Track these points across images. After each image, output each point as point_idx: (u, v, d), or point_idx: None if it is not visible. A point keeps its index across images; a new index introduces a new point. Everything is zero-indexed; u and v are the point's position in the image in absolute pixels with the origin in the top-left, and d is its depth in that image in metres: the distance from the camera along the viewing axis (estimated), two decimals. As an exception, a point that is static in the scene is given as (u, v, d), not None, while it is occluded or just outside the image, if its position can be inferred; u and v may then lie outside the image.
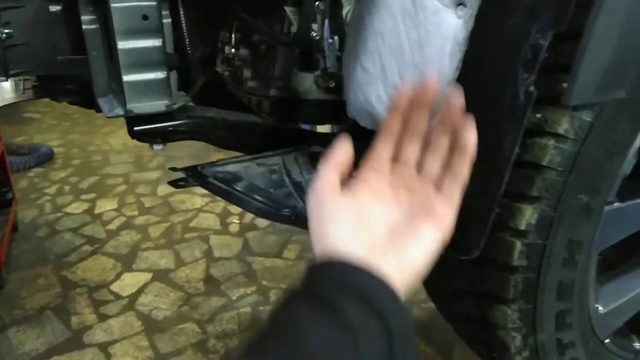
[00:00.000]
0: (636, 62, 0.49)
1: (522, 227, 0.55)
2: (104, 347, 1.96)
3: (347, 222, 0.58)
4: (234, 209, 3.02)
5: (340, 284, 0.52)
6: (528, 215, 0.55)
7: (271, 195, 0.69)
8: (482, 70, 0.51)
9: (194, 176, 0.75)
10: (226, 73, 0.92)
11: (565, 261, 0.58)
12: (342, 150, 0.61)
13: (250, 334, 2.05)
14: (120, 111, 0.72)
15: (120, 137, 3.85)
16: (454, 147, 0.58)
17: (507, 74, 0.50)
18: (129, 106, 0.71)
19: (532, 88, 0.48)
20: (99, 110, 0.79)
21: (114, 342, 1.98)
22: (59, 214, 2.89)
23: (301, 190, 0.66)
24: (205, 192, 3.11)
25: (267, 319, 0.57)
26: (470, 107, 0.45)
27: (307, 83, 0.79)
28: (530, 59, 0.47)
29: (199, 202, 3.03)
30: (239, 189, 0.70)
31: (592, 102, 0.48)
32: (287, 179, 0.68)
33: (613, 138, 0.55)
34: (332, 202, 0.59)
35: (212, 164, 0.78)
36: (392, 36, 0.50)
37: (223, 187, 0.70)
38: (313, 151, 0.67)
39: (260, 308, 2.24)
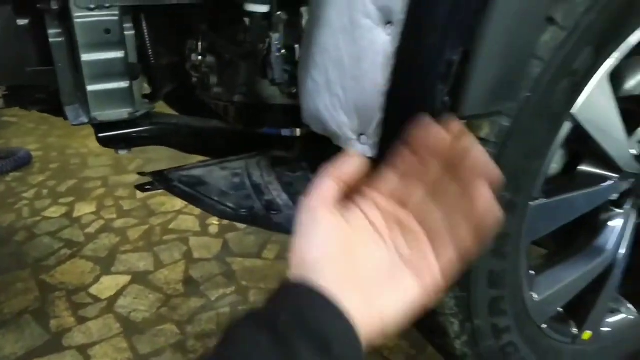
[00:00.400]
0: (521, 77, 0.53)
1: None
2: (83, 349, 1.98)
3: (331, 247, 0.54)
4: (214, 210, 3.05)
5: (303, 325, 0.49)
6: None
7: (231, 197, 0.72)
8: (407, 82, 0.55)
9: (160, 180, 0.79)
10: (194, 80, 0.95)
11: (494, 252, 0.63)
12: (349, 164, 0.55)
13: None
14: (84, 119, 0.76)
15: (99, 140, 3.84)
16: (463, 205, 0.51)
17: (427, 86, 0.54)
18: (93, 114, 0.74)
19: (446, 98, 0.53)
20: (67, 118, 0.83)
21: (93, 344, 2.00)
22: (37, 218, 2.89)
23: (260, 192, 0.69)
24: (185, 194, 3.10)
25: (223, 331, 0.55)
26: (397, 114, 0.50)
27: (271, 89, 0.82)
28: (445, 72, 0.51)
29: (178, 204, 3.04)
30: (202, 192, 0.73)
31: (484, 112, 0.53)
32: (247, 182, 0.71)
33: (530, 142, 0.60)
34: (322, 218, 0.55)
35: (178, 168, 0.81)
36: (334, 51, 0.54)
37: (187, 191, 0.74)
38: (275, 155, 0.71)
39: (240, 308, 2.27)
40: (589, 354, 0.83)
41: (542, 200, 0.66)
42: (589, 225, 0.79)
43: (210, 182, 0.74)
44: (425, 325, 0.73)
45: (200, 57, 0.88)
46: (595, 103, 0.62)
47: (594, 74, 0.61)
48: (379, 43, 0.52)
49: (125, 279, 2.40)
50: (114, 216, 2.91)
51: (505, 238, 0.63)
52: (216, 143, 0.84)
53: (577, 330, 0.81)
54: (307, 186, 0.57)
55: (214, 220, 2.93)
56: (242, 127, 0.79)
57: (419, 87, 0.54)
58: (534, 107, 0.56)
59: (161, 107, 1.77)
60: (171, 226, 2.84)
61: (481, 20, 0.48)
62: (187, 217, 2.94)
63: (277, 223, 0.67)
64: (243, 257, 2.64)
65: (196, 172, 0.78)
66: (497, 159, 0.58)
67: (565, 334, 0.80)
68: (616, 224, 0.77)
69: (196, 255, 2.61)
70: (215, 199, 0.71)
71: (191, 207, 3.04)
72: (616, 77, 0.69)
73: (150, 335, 2.07)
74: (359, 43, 0.52)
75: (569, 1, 0.53)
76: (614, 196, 0.77)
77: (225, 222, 2.94)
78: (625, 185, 0.74)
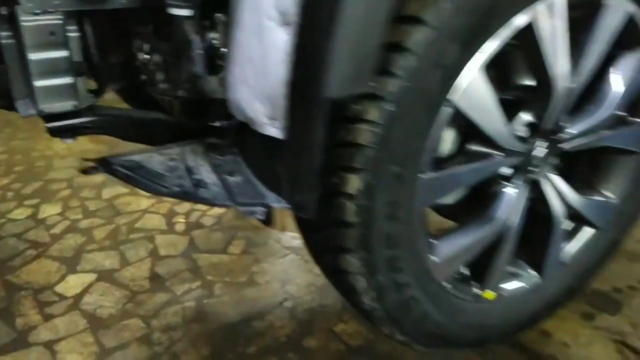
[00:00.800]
0: (374, 62, 0.62)
1: (353, 192, 0.69)
2: (49, 345, 2.02)
3: None
4: (180, 209, 3.10)
5: None
6: (355, 183, 0.69)
7: (166, 178, 0.79)
8: (301, 73, 0.63)
9: (102, 165, 0.85)
10: (143, 77, 1.02)
11: (389, 217, 0.72)
12: None
13: (194, 325, 2.15)
14: (33, 111, 0.82)
15: (64, 142, 3.85)
16: None
17: (313, 75, 0.63)
18: (41, 107, 0.81)
19: (320, 84, 0.62)
20: (18, 111, 0.89)
21: (59, 340, 2.04)
22: (2, 220, 2.90)
23: (191, 172, 0.77)
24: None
25: None
26: (298, 100, 0.58)
27: (212, 84, 0.89)
28: (319, 64, 0.60)
29: (144, 203, 3.09)
30: (140, 174, 0.80)
31: (347, 94, 0.61)
32: (181, 165, 0.79)
33: (412, 124, 0.69)
34: None
35: (120, 154, 0.88)
36: (247, 49, 0.62)
37: (126, 173, 0.81)
38: (210, 142, 0.78)
39: (205, 301, 2.34)
40: (492, 313, 0.92)
41: (431, 174, 0.75)
42: (485, 197, 0.89)
43: (148, 166, 0.81)
44: (340, 285, 0.81)
45: (145, 57, 0.95)
46: (471, 91, 0.71)
47: (464, 66, 0.71)
48: (280, 41, 0.60)
49: (91, 277, 2.44)
50: (80, 216, 2.94)
51: (397, 205, 0.72)
52: (157, 133, 0.91)
53: (479, 290, 0.90)
54: (234, 167, 0.65)
55: (180, 219, 2.98)
56: (186, 119, 0.87)
57: (308, 77, 0.62)
58: (412, 95, 0.65)
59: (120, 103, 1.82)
60: (137, 225, 2.88)
61: (334, 21, 0.56)
62: (154, 215, 2.98)
63: (203, 197, 0.75)
64: (209, 253, 2.70)
65: (136, 157, 0.85)
66: (385, 138, 0.66)
67: (467, 293, 0.89)
68: (509, 196, 0.87)
69: (162, 252, 2.66)
70: (152, 179, 0.78)
71: (157, 206, 3.09)
72: (502, 69, 0.79)
73: (116, 330, 2.12)
74: (265, 42, 0.60)
75: (437, 4, 0.62)
76: (506, 171, 0.86)
77: (192, 219, 3.00)
78: (511, 162, 0.83)
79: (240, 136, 0.70)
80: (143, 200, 3.11)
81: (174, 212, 3.04)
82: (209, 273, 2.53)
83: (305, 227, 0.81)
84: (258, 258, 2.66)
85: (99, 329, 2.11)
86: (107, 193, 3.18)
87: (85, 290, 2.34)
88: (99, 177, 3.41)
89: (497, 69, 0.83)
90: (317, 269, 2.58)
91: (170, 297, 2.33)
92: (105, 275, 2.45)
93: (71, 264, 2.51)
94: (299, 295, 2.40)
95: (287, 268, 2.60)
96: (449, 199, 0.89)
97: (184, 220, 2.96)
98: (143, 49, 0.97)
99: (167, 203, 3.12)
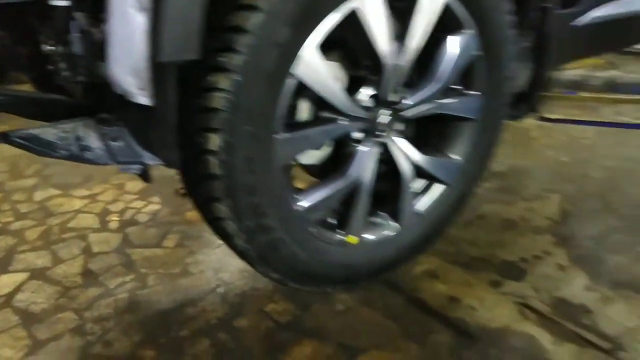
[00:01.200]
0: (197, 36, 0.74)
1: (215, 148, 0.82)
2: (-21, 342, 2.04)
3: None
4: (114, 207, 3.14)
5: None
6: (216, 141, 0.82)
7: (56, 145, 0.89)
8: (150, 48, 0.76)
9: (2, 137, 0.93)
10: (50, 67, 1.10)
11: (249, 170, 0.85)
12: None
13: (127, 315, 2.22)
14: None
15: (-7, 148, 3.80)
16: None
17: (156, 48, 0.76)
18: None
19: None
20: None
21: (-10, 336, 2.07)
22: None
23: (79, 140, 0.87)
24: (84, 193, 3.19)
25: None
26: (151, 72, 0.70)
27: (102, 69, 0.98)
28: (158, 37, 0.73)
29: (77, 204, 3.11)
30: (34, 143, 0.89)
31: (175, 60, 0.74)
32: (72, 135, 0.89)
33: (260, 92, 0.82)
34: None
35: (19, 129, 0.97)
36: (117, 32, 0.74)
37: (22, 143, 0.90)
38: (100, 117, 0.88)
39: (138, 292, 2.41)
40: (358, 256, 1.07)
41: (285, 135, 0.89)
42: (342, 157, 1.04)
43: (42, 137, 0.90)
44: (218, 231, 0.94)
45: (50, 48, 1.03)
46: (309, 66, 0.85)
47: (302, 45, 0.85)
48: (140, 24, 0.72)
49: (23, 276, 2.46)
50: (11, 219, 2.94)
51: (255, 160, 0.85)
52: (57, 112, 1.00)
53: (342, 236, 1.04)
54: (118, 135, 0.77)
55: (114, 217, 3.03)
56: (86, 101, 0.96)
57: (154, 50, 0.75)
58: (254, 67, 0.79)
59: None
60: (70, 225, 2.91)
61: (162, 5, 0.69)
62: (86, 215, 3.01)
63: (88, 158, 0.86)
64: (143, 247, 2.77)
65: (33, 131, 0.94)
66: (237, 103, 0.80)
67: (334, 238, 1.03)
68: (360, 156, 1.02)
69: (95, 249, 2.71)
70: (45, 147, 0.88)
71: (91, 206, 3.12)
72: (348, 50, 0.93)
73: (49, 324, 2.16)
74: (129, 25, 0.72)
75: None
76: (357, 135, 1.01)
77: (126, 217, 3.05)
78: (357, 127, 0.98)
79: (123, 108, 0.81)
80: (76, 201, 3.13)
81: (107, 211, 3.08)
82: (142, 266, 2.60)
83: (186, 182, 0.93)
84: (192, 250, 2.75)
85: (32, 324, 2.15)
86: (38, 196, 3.18)
87: (18, 288, 2.37)
88: (30, 181, 3.40)
89: (344, 50, 0.99)
90: (249, 257, 2.70)
91: (103, 291, 2.39)
92: (37, 274, 2.47)
93: (2, 265, 2.52)
94: (231, 281, 2.51)
95: (221, 258, 2.70)
96: (314, 159, 1.03)
97: (117, 219, 3.00)
98: (47, 41, 1.05)
99: (101, 203, 3.16)
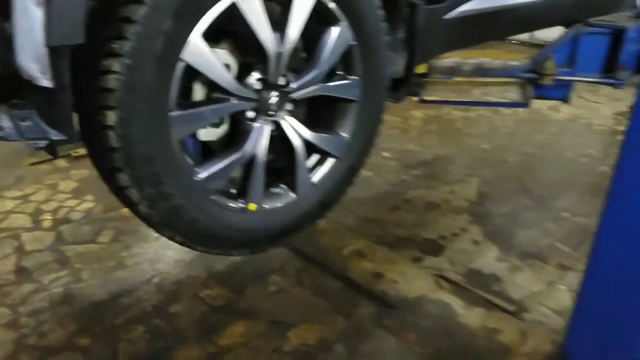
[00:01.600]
0: (82, 22, 0.85)
1: (112, 123, 0.94)
2: None
3: None
4: (47, 207, 3.14)
5: None
6: (112, 117, 0.94)
7: None
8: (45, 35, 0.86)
9: None
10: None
11: (145, 142, 0.97)
12: None
13: (61, 307, 2.25)
14: None
15: None
16: None
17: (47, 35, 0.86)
18: None
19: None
20: None
21: None
22: None
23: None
24: (16, 194, 3.16)
25: None
26: (49, 57, 0.81)
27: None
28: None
29: (9, 204, 3.09)
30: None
31: (63, 44, 0.85)
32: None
33: (152, 74, 0.94)
34: None
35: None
36: (21, 25, 0.85)
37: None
38: (13, 102, 0.96)
39: (73, 286, 2.44)
40: (257, 222, 1.20)
41: (178, 112, 1.01)
42: (237, 133, 1.18)
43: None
44: (123, 200, 1.05)
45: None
46: (196, 52, 0.98)
47: (189, 34, 0.98)
48: (39, 17, 0.83)
49: (-48, 276, 2.44)
50: (-62, 223, 2.89)
51: (150, 133, 0.97)
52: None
53: (242, 204, 1.17)
54: (27, 116, 0.86)
55: (47, 216, 3.03)
56: (3, 91, 1.03)
57: (48, 36, 0.85)
58: (143, 53, 0.92)
59: None
60: (2, 225, 2.89)
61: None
62: (19, 215, 3.00)
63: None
64: (77, 244, 2.79)
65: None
66: (128, 83, 0.92)
67: (231, 207, 1.16)
68: (254, 132, 1.16)
69: (28, 247, 2.71)
70: None
71: (23, 206, 3.11)
72: (239, 39, 1.07)
73: (-19, 320, 2.17)
74: (30, 18, 0.83)
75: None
76: (250, 114, 1.15)
77: (59, 216, 3.05)
78: (246, 106, 1.11)
79: (32, 92, 0.91)
80: (7, 202, 3.11)
81: (40, 211, 3.08)
82: (77, 262, 2.63)
83: (92, 156, 1.04)
84: (128, 244, 2.80)
85: (-37, 322, 2.15)
86: (-33, 199, 3.13)
87: (-54, 289, 2.35)
88: (-43, 184, 3.33)
89: (234, 39, 1.12)
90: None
91: (37, 287, 2.41)
92: (-33, 274, 2.46)
93: None
94: (167, 271, 2.58)
95: (157, 250, 2.76)
96: (213, 136, 1.16)
97: (50, 217, 3.00)
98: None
99: (34, 203, 3.15)
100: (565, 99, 1.47)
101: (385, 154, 4.05)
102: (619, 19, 1.38)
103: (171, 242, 2.77)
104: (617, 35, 1.33)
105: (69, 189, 3.33)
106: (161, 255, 2.71)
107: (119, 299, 2.36)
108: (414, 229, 3.00)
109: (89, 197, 3.19)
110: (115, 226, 2.94)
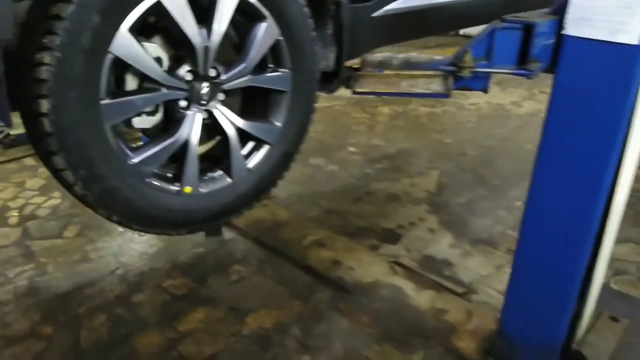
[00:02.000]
0: (8, 19, 0.93)
1: (45, 111, 1.02)
2: None
3: None
4: (14, 204, 3.18)
5: None
6: (46, 105, 1.02)
7: None
8: None
9: None
10: None
11: (77, 127, 1.05)
12: None
13: (26, 299, 2.30)
14: None
15: None
16: None
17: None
18: None
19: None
20: None
21: None
22: None
23: None
24: (-19, 192, 3.17)
25: None
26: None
27: None
28: None
29: (-26, 202, 3.12)
30: None
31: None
32: None
33: (81, 66, 1.03)
34: None
35: None
36: None
37: None
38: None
39: (38, 279, 2.49)
40: (194, 204, 1.29)
41: (110, 100, 1.10)
42: (171, 121, 1.26)
43: None
44: (61, 181, 1.13)
45: None
46: (123, 46, 1.07)
47: (117, 29, 1.06)
48: None
49: None
50: None
51: (82, 120, 1.06)
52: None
53: (178, 187, 1.26)
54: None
55: (14, 212, 3.07)
56: None
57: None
58: (72, 47, 1.01)
59: None
60: (-33, 223, 2.92)
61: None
62: (-16, 212, 3.03)
63: None
64: (43, 239, 2.84)
65: None
66: (59, 74, 1.00)
67: (169, 189, 1.25)
68: (186, 120, 1.25)
69: (-6, 243, 2.75)
70: None
71: (-12, 203, 3.14)
72: (169, 33, 1.16)
73: (-55, 313, 2.21)
74: None
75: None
76: (183, 103, 1.24)
77: (26, 212, 3.10)
78: (177, 96, 1.20)
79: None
80: (-27, 200, 3.14)
81: (7, 208, 3.11)
82: (42, 256, 2.68)
83: (31, 141, 1.11)
84: (93, 239, 2.86)
85: None
86: None
87: None
88: None
89: (167, 34, 1.21)
90: (152, 240, 2.85)
91: (3, 280, 2.46)
92: None
93: None
94: (130, 263, 2.65)
95: (121, 244, 2.83)
96: (148, 124, 1.25)
97: (17, 214, 3.04)
98: None
99: (0, 200, 3.18)
100: (485, 90, 1.59)
101: (352, 149, 4.16)
102: (533, 15, 1.50)
103: (136, 236, 2.86)
104: (528, 30, 1.45)
105: (36, 187, 3.37)
106: (125, 249, 2.78)
107: (83, 290, 2.43)
108: (374, 219, 3.11)
109: (56, 194, 3.24)
110: (80, 221, 3.00)
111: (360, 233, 2.96)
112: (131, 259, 2.69)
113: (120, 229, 2.93)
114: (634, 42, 1.34)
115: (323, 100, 5.23)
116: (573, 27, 1.42)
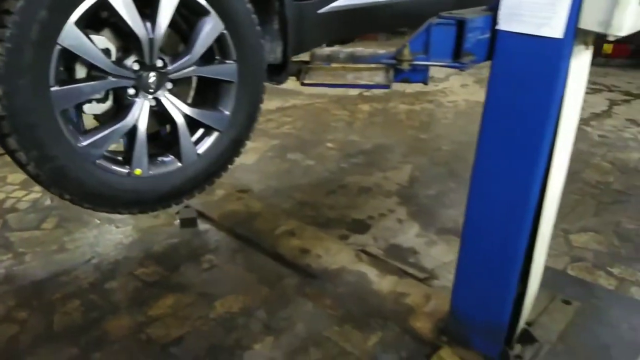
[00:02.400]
0: None
1: None
2: None
3: None
4: (-6, 198, 3.25)
5: None
6: None
7: None
8: None
9: None
10: None
11: (28, 112, 1.14)
12: None
13: (2, 287, 2.38)
14: None
15: None
16: None
17: None
18: None
19: None
20: None
21: None
22: None
23: None
24: (-39, 186, 3.24)
25: None
26: None
27: None
28: None
29: (-45, 196, 3.19)
30: None
31: None
32: None
33: (29, 56, 1.12)
34: None
35: None
36: None
37: None
38: None
39: (15, 268, 2.57)
40: (144, 186, 1.38)
41: (59, 87, 1.19)
42: (120, 107, 1.36)
43: None
44: (15, 161, 1.22)
45: None
46: (70, 37, 1.16)
47: (64, 22, 1.16)
48: None
49: None
50: None
51: (33, 105, 1.15)
52: None
53: (128, 169, 1.36)
54: None
55: (-7, 205, 3.14)
56: None
57: None
58: (20, 38, 1.10)
59: None
60: (-53, 215, 2.99)
61: None
62: (-36, 205, 3.10)
63: None
64: (22, 230, 2.91)
65: None
66: (9, 63, 1.09)
67: (119, 172, 1.34)
68: (134, 107, 1.34)
69: (-28, 235, 2.82)
70: None
71: (-31, 197, 3.21)
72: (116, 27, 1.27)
73: None
74: None
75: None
76: (131, 91, 1.33)
77: (6, 205, 3.17)
78: (125, 84, 1.30)
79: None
80: (-46, 193, 3.20)
81: (-14, 202, 3.18)
82: (20, 246, 2.75)
83: None
84: (70, 230, 2.94)
85: None
86: None
87: None
88: None
89: (114, 27, 1.31)
90: (128, 231, 2.93)
91: (-20, 270, 2.53)
92: None
93: None
94: (105, 252, 2.73)
95: (97, 235, 2.91)
96: (98, 110, 1.34)
97: (-4, 207, 3.12)
98: None
99: (-20, 194, 3.26)
100: (424, 82, 1.69)
101: (329, 144, 4.26)
102: (469, 12, 1.60)
103: (112, 228, 2.94)
104: (461, 26, 1.56)
105: (17, 181, 3.44)
106: (101, 240, 2.86)
107: (58, 277, 2.51)
108: (345, 210, 3.21)
109: (37, 188, 3.31)
110: (59, 214, 3.08)
111: (330, 224, 3.06)
112: (106, 249, 2.77)
113: (98, 220, 3.02)
114: (558, 35, 1.45)
115: (304, 98, 5.35)
116: (505, 22, 1.53)
